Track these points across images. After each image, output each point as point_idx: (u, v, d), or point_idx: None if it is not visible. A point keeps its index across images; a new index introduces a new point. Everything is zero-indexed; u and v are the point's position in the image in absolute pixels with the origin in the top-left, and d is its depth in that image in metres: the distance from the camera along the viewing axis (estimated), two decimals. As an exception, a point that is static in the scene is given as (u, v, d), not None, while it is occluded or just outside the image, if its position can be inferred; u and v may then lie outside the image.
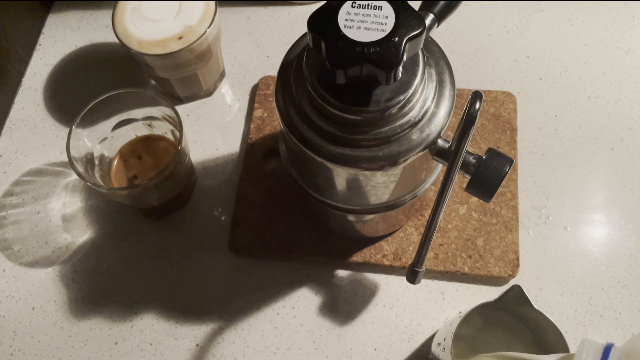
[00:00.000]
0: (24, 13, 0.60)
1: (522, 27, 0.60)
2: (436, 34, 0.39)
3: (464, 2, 0.40)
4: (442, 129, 0.35)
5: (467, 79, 0.57)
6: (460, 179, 0.51)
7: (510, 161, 0.34)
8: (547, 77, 0.57)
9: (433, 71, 0.35)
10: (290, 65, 0.37)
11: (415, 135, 0.34)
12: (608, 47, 0.59)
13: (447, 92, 0.36)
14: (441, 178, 0.35)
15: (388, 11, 0.30)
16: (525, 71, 0.58)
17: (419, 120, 0.34)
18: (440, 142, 0.35)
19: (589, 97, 0.56)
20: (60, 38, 0.63)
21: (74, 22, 0.64)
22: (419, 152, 0.34)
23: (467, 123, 0.32)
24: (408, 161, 0.35)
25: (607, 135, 0.54)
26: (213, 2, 0.51)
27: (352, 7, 0.30)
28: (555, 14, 0.61)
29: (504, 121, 0.54)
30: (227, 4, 0.63)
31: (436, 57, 0.36)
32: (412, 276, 0.37)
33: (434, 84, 0.35)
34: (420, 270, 0.37)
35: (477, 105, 0.32)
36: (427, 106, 0.34)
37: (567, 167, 0.53)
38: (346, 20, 0.30)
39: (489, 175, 0.34)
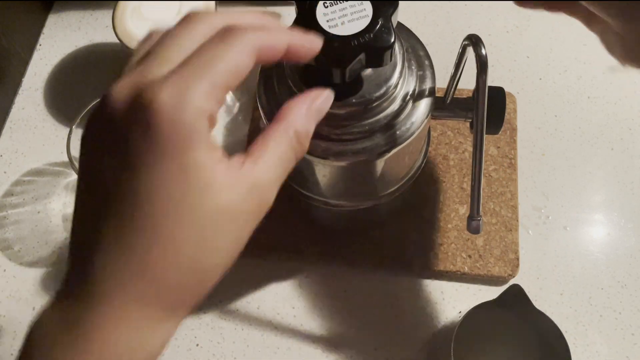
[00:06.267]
0: (24, 13, 0.60)
1: (522, 27, 0.60)
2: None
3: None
4: (425, 117, 0.35)
5: (466, 79, 0.57)
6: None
7: (499, 88, 0.36)
8: (547, 77, 0.57)
9: (412, 60, 0.36)
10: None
11: (398, 126, 0.34)
12: (608, 47, 0.59)
13: (428, 80, 0.36)
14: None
15: None
16: (525, 71, 0.58)
17: (402, 110, 0.34)
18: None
19: (589, 97, 0.56)
20: (60, 38, 0.63)
21: (74, 22, 0.64)
22: (404, 141, 0.35)
23: (482, 67, 0.33)
24: (392, 152, 0.35)
25: (607, 135, 0.54)
26: (213, 2, 0.51)
27: (326, 7, 0.30)
28: (555, 14, 0.61)
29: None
30: (227, 4, 0.63)
31: (413, 44, 0.37)
32: (473, 226, 0.36)
33: (414, 72, 0.35)
34: (479, 218, 0.36)
35: (483, 50, 0.32)
36: (409, 95, 0.35)
37: (567, 167, 0.53)
38: (327, 21, 0.29)
39: (491, 110, 0.36)
